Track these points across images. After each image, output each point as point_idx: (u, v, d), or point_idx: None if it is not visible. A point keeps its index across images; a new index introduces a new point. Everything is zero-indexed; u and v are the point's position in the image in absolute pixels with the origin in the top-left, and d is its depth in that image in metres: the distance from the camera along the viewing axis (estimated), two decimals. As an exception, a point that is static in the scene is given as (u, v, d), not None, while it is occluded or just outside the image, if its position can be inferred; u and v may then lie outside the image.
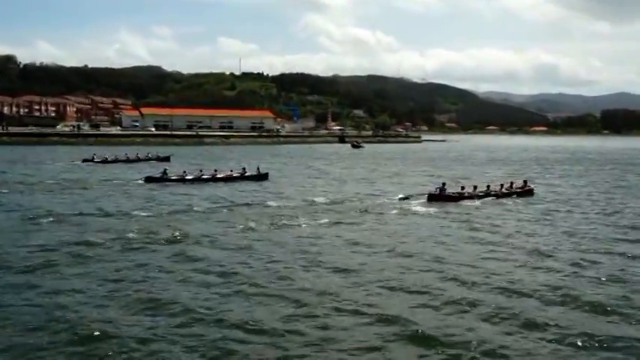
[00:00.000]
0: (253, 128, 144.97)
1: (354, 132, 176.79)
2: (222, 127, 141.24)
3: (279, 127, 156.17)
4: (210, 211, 27.66)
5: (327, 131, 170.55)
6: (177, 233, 21.83)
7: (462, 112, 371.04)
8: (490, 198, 33.19)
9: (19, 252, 18.72)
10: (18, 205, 28.54)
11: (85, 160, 58.86)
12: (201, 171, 43.31)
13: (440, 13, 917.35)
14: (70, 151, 79.72)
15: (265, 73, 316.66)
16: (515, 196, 34.57)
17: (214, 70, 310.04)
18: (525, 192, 35.80)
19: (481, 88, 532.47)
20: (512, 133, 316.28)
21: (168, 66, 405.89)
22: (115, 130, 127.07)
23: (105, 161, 58.81)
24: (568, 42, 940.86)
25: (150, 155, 63.26)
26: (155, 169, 46.68)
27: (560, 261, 19.05)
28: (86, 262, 17.66)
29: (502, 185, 35.47)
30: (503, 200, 33.04)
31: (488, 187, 34.75)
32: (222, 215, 26.74)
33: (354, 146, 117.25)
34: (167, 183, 39.42)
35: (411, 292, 15.31)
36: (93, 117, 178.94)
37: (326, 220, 25.53)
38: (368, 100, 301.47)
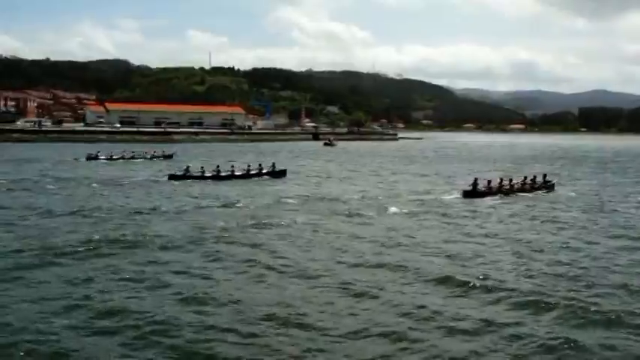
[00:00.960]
0: (224, 125, 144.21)
1: (329, 129, 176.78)
2: (191, 124, 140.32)
3: (250, 124, 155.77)
4: (256, 207, 29.56)
5: (300, 128, 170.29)
6: (230, 229, 23.39)
7: (439, 110, 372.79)
8: (517, 193, 35.65)
9: (63, 243, 20.10)
10: (57, 203, 30.20)
11: (89, 158, 60.26)
12: (218, 167, 44.95)
13: (416, 7, 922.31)
14: (33, 148, 78.23)
15: (236, 68, 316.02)
16: (538, 190, 37.15)
17: (183, 65, 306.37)
18: (547, 187, 38.46)
19: (458, 85, 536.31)
20: (489, 131, 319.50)
21: (135, 60, 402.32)
22: (78, 126, 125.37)
23: (110, 158, 60.78)
24: (545, 38, 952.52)
25: (155, 153, 65.73)
26: (162, 166, 51.25)
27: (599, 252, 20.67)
28: (139, 256, 18.90)
29: (525, 179, 37.66)
30: (530, 194, 35.77)
31: (510, 181, 36.74)
32: (268, 211, 28.23)
33: (326, 144, 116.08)
34: (189, 180, 41.39)
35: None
36: (55, 113, 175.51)
37: (371, 214, 27.73)
38: (342, 97, 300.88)
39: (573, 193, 38.19)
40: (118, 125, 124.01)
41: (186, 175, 42.49)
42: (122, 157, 61.59)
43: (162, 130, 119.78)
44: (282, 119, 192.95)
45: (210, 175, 42.88)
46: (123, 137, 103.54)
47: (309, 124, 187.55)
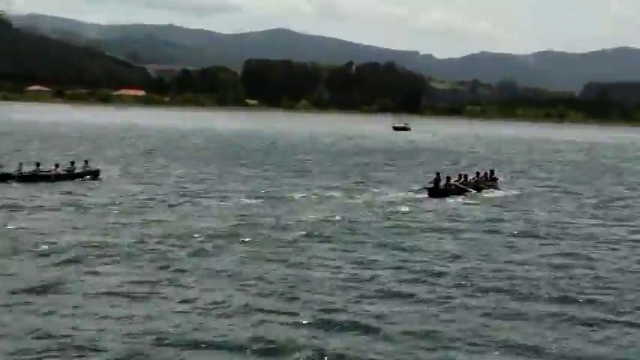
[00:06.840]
0: None
1: None
2: None
3: None
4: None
5: None
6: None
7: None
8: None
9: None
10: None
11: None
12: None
13: None
14: None
15: None
16: (488, 186, 52.29)
17: None
18: (494, 180, 54.40)
19: (17, 10, 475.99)
20: (72, 100, 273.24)
21: None
22: None
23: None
24: None
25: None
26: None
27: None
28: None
29: (478, 175, 53.54)
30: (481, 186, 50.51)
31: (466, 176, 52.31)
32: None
33: None
34: None
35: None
36: None
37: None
38: None
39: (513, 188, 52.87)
40: None
41: None
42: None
43: None
44: None
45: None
46: None
47: None
